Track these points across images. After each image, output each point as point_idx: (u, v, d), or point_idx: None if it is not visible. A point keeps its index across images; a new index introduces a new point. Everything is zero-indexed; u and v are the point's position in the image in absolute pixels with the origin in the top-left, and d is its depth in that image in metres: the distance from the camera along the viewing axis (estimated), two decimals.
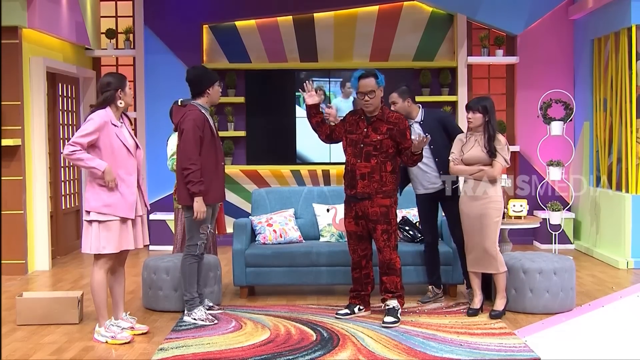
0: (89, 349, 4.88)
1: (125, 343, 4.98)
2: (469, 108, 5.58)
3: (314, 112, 5.62)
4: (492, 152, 5.47)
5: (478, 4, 9.23)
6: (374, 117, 5.41)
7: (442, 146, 5.80)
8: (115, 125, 5.01)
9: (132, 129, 5.34)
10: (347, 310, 5.62)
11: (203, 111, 5.41)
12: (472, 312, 5.62)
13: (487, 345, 4.85)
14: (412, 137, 5.46)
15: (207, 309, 5.62)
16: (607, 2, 8.06)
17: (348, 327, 5.28)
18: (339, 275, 6.21)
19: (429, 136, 5.29)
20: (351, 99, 9.14)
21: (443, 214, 6.27)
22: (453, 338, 5.02)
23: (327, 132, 5.63)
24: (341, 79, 9.19)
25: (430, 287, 6.10)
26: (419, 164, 5.64)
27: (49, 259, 7.82)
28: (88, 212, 4.99)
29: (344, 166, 5.61)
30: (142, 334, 5.21)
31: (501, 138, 5.54)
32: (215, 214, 5.66)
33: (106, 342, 5.01)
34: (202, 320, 5.38)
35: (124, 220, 5.01)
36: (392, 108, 5.80)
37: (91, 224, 4.98)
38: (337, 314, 5.62)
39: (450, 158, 5.66)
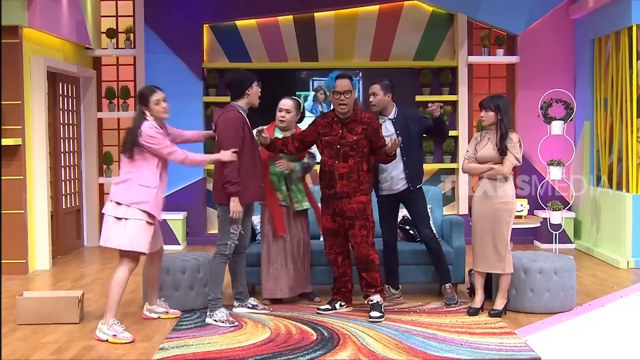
0: (90, 349, 4.88)
1: (126, 343, 4.98)
2: (482, 106, 5.59)
3: (272, 149, 5.69)
4: (503, 151, 5.47)
5: (478, 3, 9.23)
6: (347, 119, 5.50)
7: (412, 145, 5.86)
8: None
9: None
10: (328, 306, 5.71)
11: (242, 112, 5.47)
12: (473, 312, 5.63)
13: (487, 345, 4.85)
14: (385, 135, 5.64)
15: (251, 307, 5.71)
16: (608, 1, 8.05)
17: (348, 327, 5.28)
18: None
19: (400, 138, 5.42)
20: None
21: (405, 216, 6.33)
22: (453, 337, 5.02)
23: (295, 145, 5.68)
24: None
25: (387, 287, 6.04)
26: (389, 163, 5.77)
27: (49, 259, 7.81)
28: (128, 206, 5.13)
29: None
30: (175, 317, 5.55)
31: (514, 136, 5.51)
32: (250, 214, 5.71)
33: (107, 340, 5.02)
34: (222, 322, 5.37)
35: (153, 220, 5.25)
36: (370, 99, 5.90)
37: (127, 221, 5.13)
38: (318, 309, 5.70)
39: (464, 156, 5.70)
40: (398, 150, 5.74)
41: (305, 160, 5.98)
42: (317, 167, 5.82)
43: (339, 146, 5.48)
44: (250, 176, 5.46)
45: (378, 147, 5.53)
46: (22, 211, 7.48)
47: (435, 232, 6.20)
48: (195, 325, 5.38)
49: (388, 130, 5.82)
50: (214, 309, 5.43)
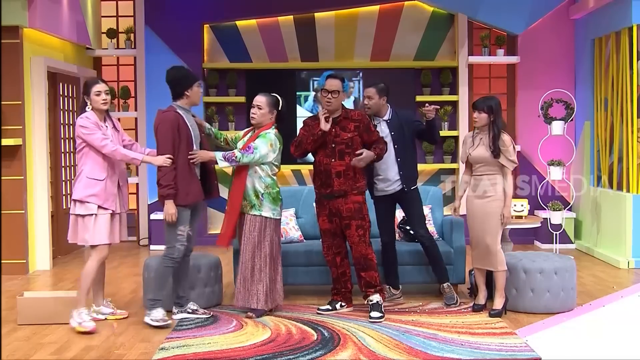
0: (90, 349, 4.88)
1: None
2: (474, 107, 5.64)
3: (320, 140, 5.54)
4: (496, 152, 5.50)
5: (479, 3, 9.23)
6: (339, 117, 5.57)
7: (406, 147, 5.89)
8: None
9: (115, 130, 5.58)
10: (328, 307, 5.73)
11: (181, 112, 5.37)
12: (478, 308, 5.67)
13: (488, 345, 4.85)
14: (377, 131, 5.70)
15: (190, 312, 5.60)
16: (608, 1, 8.05)
17: (349, 327, 5.28)
18: None
19: (364, 154, 5.48)
20: (352, 98, 9.15)
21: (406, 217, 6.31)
22: (454, 338, 5.02)
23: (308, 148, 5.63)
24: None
25: (387, 287, 6.05)
26: (384, 164, 5.80)
27: (49, 259, 7.82)
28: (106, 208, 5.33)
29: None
30: (123, 318, 5.55)
31: (506, 138, 5.55)
32: (197, 215, 5.58)
33: (74, 327, 5.24)
34: (157, 322, 5.31)
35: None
36: (365, 102, 5.93)
37: (83, 217, 5.33)
38: (318, 309, 5.72)
39: (460, 159, 5.76)
40: (393, 151, 5.83)
41: (223, 152, 5.46)
42: (311, 167, 5.82)
43: (333, 145, 5.52)
44: (189, 177, 5.35)
45: (371, 142, 5.59)
46: (23, 211, 7.48)
47: (434, 232, 6.19)
48: (196, 325, 5.38)
49: (383, 131, 5.85)
50: (152, 309, 5.35)
